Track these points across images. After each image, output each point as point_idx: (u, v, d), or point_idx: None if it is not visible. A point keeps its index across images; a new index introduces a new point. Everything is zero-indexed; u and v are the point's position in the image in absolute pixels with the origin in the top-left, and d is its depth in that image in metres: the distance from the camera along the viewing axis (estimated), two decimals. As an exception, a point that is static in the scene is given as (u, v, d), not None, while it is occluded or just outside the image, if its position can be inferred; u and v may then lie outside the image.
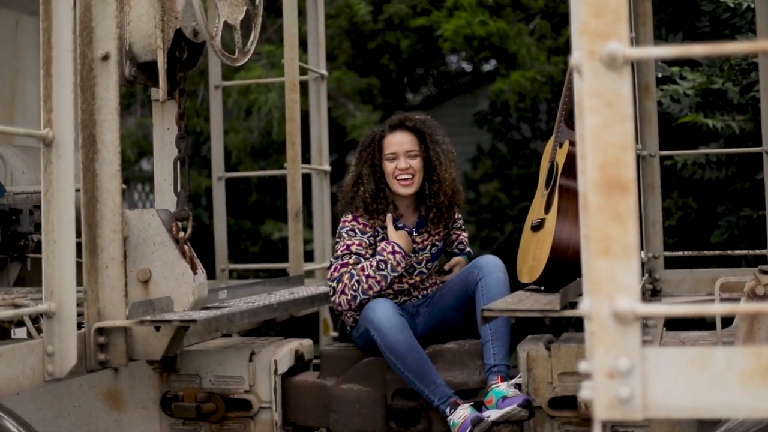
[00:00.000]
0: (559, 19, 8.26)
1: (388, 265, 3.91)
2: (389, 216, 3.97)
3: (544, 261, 3.60)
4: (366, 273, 3.89)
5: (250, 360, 3.90)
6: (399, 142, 4.06)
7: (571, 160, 3.67)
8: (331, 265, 4.01)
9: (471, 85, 10.27)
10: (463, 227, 4.33)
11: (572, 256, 3.58)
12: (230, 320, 3.54)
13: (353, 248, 3.96)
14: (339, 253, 3.98)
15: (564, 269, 3.59)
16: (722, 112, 6.40)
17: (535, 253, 3.72)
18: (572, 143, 3.70)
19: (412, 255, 4.05)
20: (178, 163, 3.69)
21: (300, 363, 4.10)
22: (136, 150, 9.16)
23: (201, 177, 8.78)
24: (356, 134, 8.08)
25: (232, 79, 7.58)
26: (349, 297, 3.91)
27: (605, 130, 2.18)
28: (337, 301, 3.94)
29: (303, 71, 5.70)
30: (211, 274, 6.24)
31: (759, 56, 4.91)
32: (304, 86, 5.89)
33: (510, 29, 7.79)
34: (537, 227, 3.77)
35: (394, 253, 3.92)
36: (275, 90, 7.86)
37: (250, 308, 3.73)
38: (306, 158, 5.82)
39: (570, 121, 3.83)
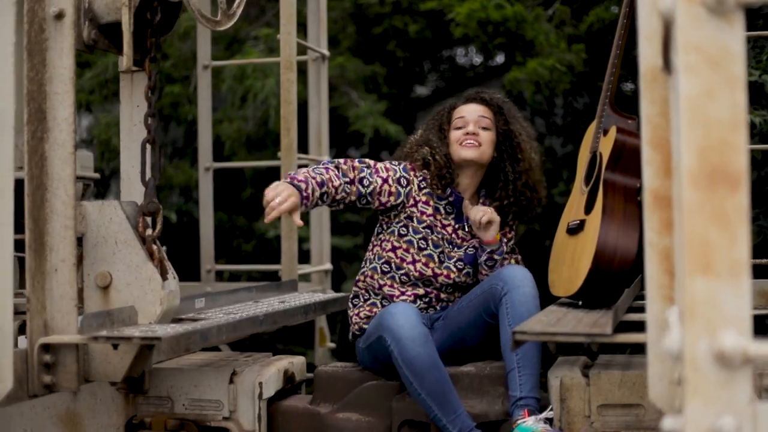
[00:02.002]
0: (579, 4, 7.63)
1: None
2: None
3: (584, 271, 2.99)
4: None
5: (231, 381, 3.30)
6: (471, 110, 3.58)
7: (618, 150, 3.07)
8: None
9: (482, 77, 9.66)
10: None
11: (619, 264, 2.97)
12: (204, 337, 2.93)
13: (376, 167, 3.49)
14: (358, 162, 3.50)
15: (609, 281, 2.99)
16: (758, 107, 5.83)
17: (572, 261, 3.11)
18: (620, 130, 3.10)
19: (447, 245, 3.47)
20: (147, 145, 3.08)
21: (290, 385, 3.49)
22: (125, 139, 8.55)
23: (192, 169, 8.16)
24: (359, 125, 7.46)
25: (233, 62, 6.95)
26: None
27: (708, 100, 1.57)
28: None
29: (302, 51, 5.09)
30: (196, 276, 5.64)
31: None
32: (302, 69, 5.29)
33: (528, 14, 7.17)
34: (575, 230, 3.16)
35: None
36: (273, 76, 7.23)
37: (229, 322, 3.11)
38: (304, 148, 5.21)
39: (616, 104, 3.23)
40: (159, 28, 3.07)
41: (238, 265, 6.19)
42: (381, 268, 3.52)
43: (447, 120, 3.60)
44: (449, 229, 3.52)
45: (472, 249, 3.55)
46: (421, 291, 3.50)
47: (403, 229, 3.49)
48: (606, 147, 3.10)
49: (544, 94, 7.62)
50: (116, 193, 9.31)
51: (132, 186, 3.23)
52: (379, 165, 3.47)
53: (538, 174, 3.57)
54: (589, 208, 3.10)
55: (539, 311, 3.19)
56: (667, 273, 2.18)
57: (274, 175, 7.70)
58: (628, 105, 7.86)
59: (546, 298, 3.32)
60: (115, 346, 2.84)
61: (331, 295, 4.11)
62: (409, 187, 3.46)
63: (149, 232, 3.03)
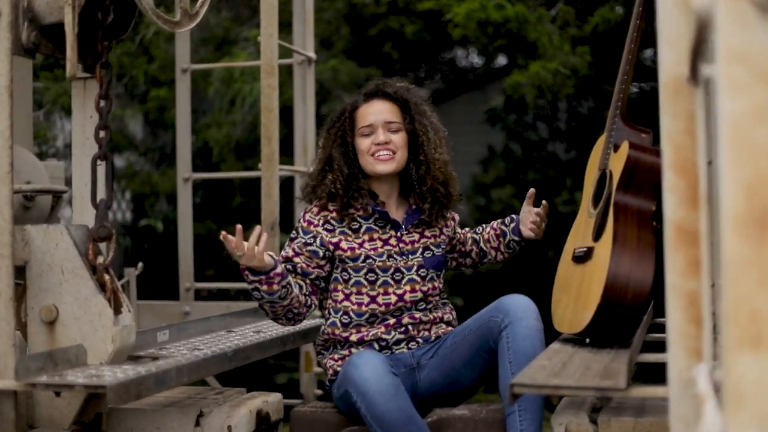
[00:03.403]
0: (584, 4, 7.29)
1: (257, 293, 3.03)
2: (238, 228, 3.02)
3: (593, 305, 2.64)
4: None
5: (197, 424, 2.93)
6: (376, 111, 3.18)
7: (631, 168, 2.71)
8: None
9: (481, 80, 9.30)
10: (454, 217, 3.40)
11: (632, 299, 2.62)
12: (160, 381, 2.57)
13: (290, 254, 3.15)
14: (285, 251, 3.20)
15: (620, 316, 2.64)
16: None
17: (579, 293, 2.76)
18: (633, 145, 2.74)
19: (398, 257, 3.11)
20: (98, 162, 2.73)
21: (264, 426, 3.14)
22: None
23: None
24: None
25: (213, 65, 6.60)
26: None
27: (757, 124, 1.22)
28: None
29: (287, 54, 4.74)
30: (174, 295, 5.29)
31: None
32: (289, 72, 4.94)
33: (530, 14, 6.81)
34: (582, 258, 2.81)
35: (242, 270, 3.05)
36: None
37: (192, 361, 2.76)
38: (289, 156, 4.87)
39: (627, 116, 2.87)
40: (112, 31, 2.72)
41: (220, 282, 5.80)
42: (341, 320, 3.16)
43: (350, 127, 3.20)
44: (393, 241, 3.17)
45: (429, 251, 3.20)
46: (392, 321, 3.14)
47: (344, 274, 3.14)
48: (617, 164, 2.75)
49: (547, 99, 7.27)
50: (98, 201, 8.98)
51: (85, 206, 2.89)
52: (291, 248, 3.16)
53: (447, 170, 3.22)
54: (598, 234, 2.75)
55: (544, 346, 2.84)
56: (693, 322, 1.83)
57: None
58: (634, 111, 7.54)
59: (549, 326, 2.97)
60: (58, 393, 2.49)
61: (313, 322, 3.75)
62: (318, 240, 3.12)
63: (100, 259, 2.69)
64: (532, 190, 3.36)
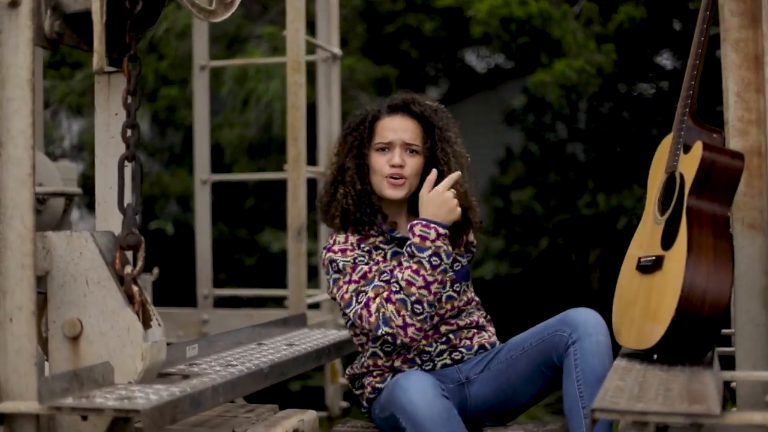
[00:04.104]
0: (608, 1, 7.07)
1: (423, 245, 2.78)
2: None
3: (666, 318, 2.42)
4: (415, 284, 2.77)
5: (230, 446, 2.73)
6: (397, 128, 2.94)
7: (706, 171, 2.49)
8: (354, 316, 2.86)
9: (494, 79, 9.10)
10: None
11: (709, 311, 2.41)
12: (196, 403, 2.36)
13: (366, 270, 2.88)
14: (348, 293, 2.85)
15: (696, 331, 2.42)
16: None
17: (648, 305, 2.54)
18: (707, 146, 2.53)
19: None
20: (126, 163, 2.52)
21: (299, 447, 2.93)
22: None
23: (191, 177, 7.58)
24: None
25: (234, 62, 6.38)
26: (418, 324, 2.80)
27: None
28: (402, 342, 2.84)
29: (310, 50, 4.52)
30: (191, 302, 5.08)
31: None
32: (311, 70, 4.73)
33: (554, 11, 6.60)
34: (649, 268, 2.59)
35: (426, 225, 2.80)
36: (278, 77, 6.66)
37: (228, 380, 2.55)
38: (311, 158, 4.65)
39: (697, 115, 2.66)
40: (140, 21, 2.50)
41: (240, 289, 5.59)
42: (383, 349, 2.95)
43: (368, 138, 2.96)
44: None
45: (457, 263, 2.97)
46: (431, 332, 2.91)
47: None
48: (689, 167, 2.53)
49: (572, 99, 7.06)
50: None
51: (109, 212, 2.66)
52: (361, 272, 2.90)
53: (467, 200, 2.95)
54: (668, 242, 2.53)
55: (612, 364, 2.63)
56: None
57: (280, 184, 7.16)
58: (649, 111, 7.32)
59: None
60: (84, 417, 2.27)
61: (346, 333, 3.54)
62: (364, 257, 2.91)
63: (128, 269, 2.47)
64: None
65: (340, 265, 2.87)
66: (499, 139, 8.39)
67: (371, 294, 2.82)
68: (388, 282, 2.84)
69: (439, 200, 2.80)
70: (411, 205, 2.98)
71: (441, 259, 2.77)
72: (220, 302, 5.66)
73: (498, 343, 2.99)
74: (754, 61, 2.69)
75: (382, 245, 2.93)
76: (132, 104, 2.49)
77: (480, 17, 6.66)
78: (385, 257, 2.92)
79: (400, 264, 2.86)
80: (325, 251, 2.93)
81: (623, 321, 2.68)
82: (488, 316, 3.06)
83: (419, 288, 2.76)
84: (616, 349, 2.73)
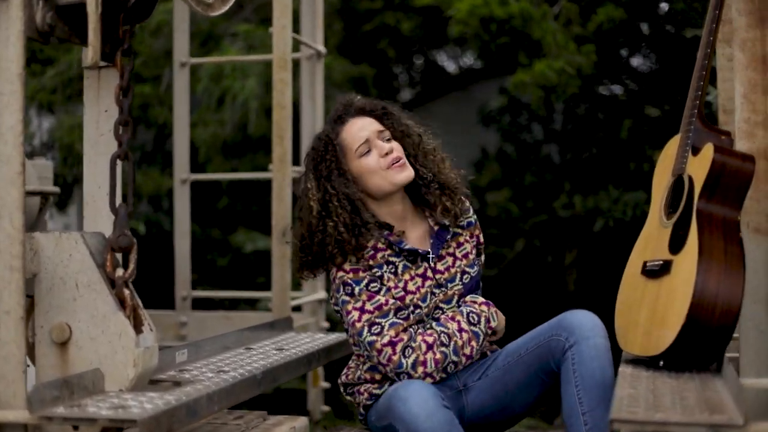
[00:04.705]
0: (587, 2, 7.02)
1: (482, 319, 2.77)
2: None
3: (676, 324, 2.36)
4: (464, 350, 2.79)
5: (222, 454, 2.65)
6: (362, 125, 2.87)
7: (716, 174, 2.44)
8: (367, 345, 2.79)
9: (469, 79, 9.04)
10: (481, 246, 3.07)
11: (720, 318, 2.35)
12: (192, 412, 2.27)
13: (382, 301, 2.79)
14: (361, 321, 2.78)
15: (706, 338, 2.37)
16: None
17: (655, 311, 2.48)
18: (718, 149, 2.47)
19: (437, 290, 2.82)
20: (118, 162, 2.42)
21: (292, 455, 2.84)
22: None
23: (163, 177, 7.46)
24: (346, 131, 6.80)
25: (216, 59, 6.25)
26: (437, 377, 2.78)
27: None
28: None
29: (294, 47, 4.43)
30: (169, 303, 4.97)
31: None
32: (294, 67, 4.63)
33: (534, 11, 6.54)
34: (656, 273, 2.53)
35: (488, 305, 2.74)
36: (254, 76, 6.56)
37: (222, 387, 2.46)
38: (294, 159, 4.56)
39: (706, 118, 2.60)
40: (134, 14, 2.41)
41: (220, 291, 5.49)
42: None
43: (342, 155, 2.85)
44: (429, 273, 2.86)
45: (466, 275, 2.90)
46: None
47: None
48: (698, 169, 2.47)
49: (552, 100, 7.01)
50: (80, 203, 8.63)
51: (98, 212, 2.57)
52: (378, 302, 2.82)
53: (445, 166, 2.93)
54: (676, 246, 2.47)
55: (612, 368, 2.56)
56: None
57: (254, 184, 7.06)
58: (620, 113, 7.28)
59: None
60: (76, 428, 2.18)
61: (334, 337, 3.46)
62: (378, 279, 2.83)
63: (120, 272, 2.37)
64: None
65: (356, 290, 2.79)
66: (472, 140, 8.32)
67: (391, 333, 2.74)
68: (406, 318, 2.77)
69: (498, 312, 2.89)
70: (412, 202, 2.90)
71: (482, 344, 2.82)
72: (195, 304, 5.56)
73: (498, 348, 2.92)
74: (762, 62, 2.63)
75: (392, 258, 2.84)
76: (125, 101, 2.40)
77: (459, 17, 6.60)
78: (395, 272, 2.83)
79: (412, 278, 2.81)
80: (335, 269, 2.82)
81: (627, 326, 2.62)
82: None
83: (464, 355, 2.78)
84: (614, 352, 2.66)
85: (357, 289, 2.78)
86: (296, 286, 4.83)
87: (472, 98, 8.61)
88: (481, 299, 2.85)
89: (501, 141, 8.06)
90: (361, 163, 2.84)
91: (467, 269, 2.89)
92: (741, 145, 2.59)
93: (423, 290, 2.83)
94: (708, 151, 2.47)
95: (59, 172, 6.99)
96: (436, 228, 2.88)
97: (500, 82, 7.87)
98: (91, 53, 2.24)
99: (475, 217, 3.01)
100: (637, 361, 2.58)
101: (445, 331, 2.76)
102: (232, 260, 7.65)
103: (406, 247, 2.83)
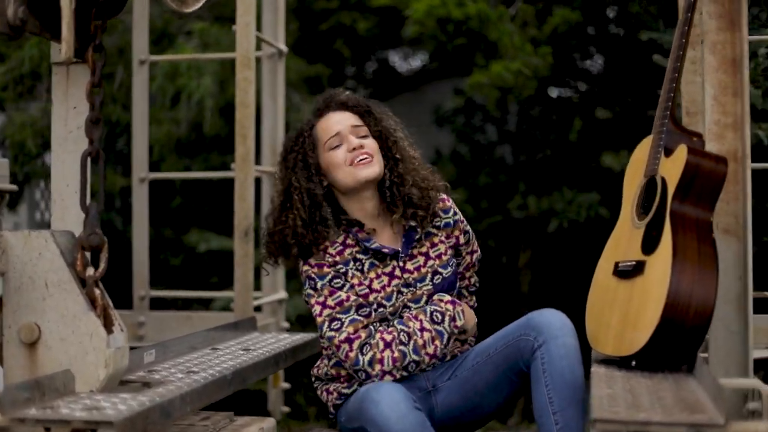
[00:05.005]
0: (543, 4, 7.07)
1: (446, 318, 2.74)
2: None
3: (650, 325, 2.38)
4: (427, 349, 2.77)
5: (191, 456, 2.61)
6: (339, 119, 2.88)
7: (690, 175, 2.46)
8: (326, 339, 2.80)
9: (421, 80, 9.04)
10: (473, 243, 3.07)
11: (694, 318, 2.37)
12: (166, 413, 2.23)
13: (343, 297, 2.78)
14: (322, 316, 2.79)
15: (680, 338, 2.39)
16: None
17: (628, 311, 2.49)
18: (692, 150, 2.49)
19: (404, 290, 2.81)
20: (89, 160, 2.39)
21: (261, 457, 2.81)
22: (40, 141, 7.69)
23: (116, 175, 7.38)
24: (302, 130, 6.77)
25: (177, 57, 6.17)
26: (397, 376, 2.77)
27: None
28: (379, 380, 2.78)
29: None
30: (127, 303, 4.91)
31: None
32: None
33: (492, 13, 6.56)
34: (628, 273, 2.54)
35: (454, 304, 2.71)
36: (209, 74, 6.50)
37: (194, 388, 2.42)
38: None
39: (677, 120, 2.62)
40: (106, 9, 2.37)
41: (178, 290, 5.44)
42: None
43: (311, 146, 2.89)
44: (397, 272, 2.87)
45: (438, 275, 2.89)
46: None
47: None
48: (672, 171, 2.49)
49: (509, 101, 7.04)
50: (30, 202, 8.51)
51: (66, 210, 2.53)
52: (341, 297, 2.82)
53: (423, 169, 2.93)
54: (649, 247, 2.49)
55: (582, 367, 2.57)
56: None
57: (207, 183, 7.00)
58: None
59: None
60: (48, 429, 2.13)
61: (299, 337, 3.43)
62: (342, 276, 2.84)
63: (90, 271, 2.34)
64: None
65: (318, 285, 2.80)
66: (426, 140, 8.31)
67: (350, 329, 2.75)
68: (368, 316, 2.76)
69: (469, 311, 2.92)
70: (383, 200, 2.89)
71: (449, 343, 2.80)
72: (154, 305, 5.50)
73: (469, 348, 2.92)
74: (731, 64, 2.66)
75: (359, 255, 2.84)
76: (97, 97, 2.36)
77: (417, 17, 6.61)
78: (362, 270, 2.83)
79: (378, 277, 2.80)
80: (302, 263, 2.83)
81: (599, 327, 2.63)
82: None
83: (427, 354, 2.76)
84: (583, 351, 2.67)
85: (320, 284, 2.79)
86: (257, 286, 4.80)
87: (425, 99, 8.61)
88: (447, 297, 2.83)
89: (455, 142, 8.07)
90: (330, 156, 2.86)
91: (439, 270, 2.88)
92: (711, 147, 2.62)
93: (389, 289, 2.82)
94: (681, 152, 2.49)
95: (10, 170, 6.89)
96: (406, 227, 2.88)
97: (454, 83, 7.87)
98: (64, 48, 2.20)
99: (458, 218, 3.00)
100: (609, 361, 2.60)
101: (405, 329, 2.75)
102: (185, 260, 7.59)
103: (373, 246, 2.83)
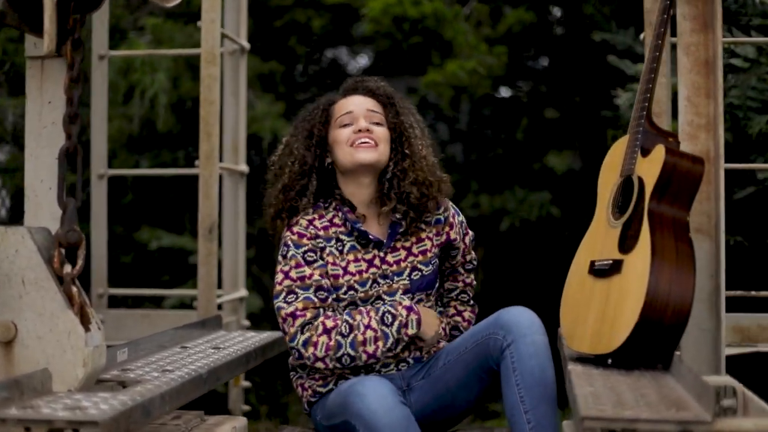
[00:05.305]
0: (497, 4, 7.10)
1: (396, 322, 2.69)
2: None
3: (629, 323, 2.40)
4: (366, 347, 2.74)
5: (166, 456, 2.59)
6: (357, 102, 2.89)
7: (667, 175, 2.48)
8: (276, 307, 2.80)
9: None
10: (472, 262, 3.09)
11: (672, 317, 2.39)
12: (146, 412, 2.21)
13: (307, 273, 2.78)
14: (281, 285, 2.80)
15: (658, 336, 2.41)
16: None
17: (605, 310, 2.51)
18: (669, 151, 2.51)
19: (381, 281, 2.81)
20: (66, 155, 2.35)
21: (235, 457, 2.79)
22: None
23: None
24: (256, 128, 6.72)
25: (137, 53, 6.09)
26: (330, 365, 2.72)
27: None
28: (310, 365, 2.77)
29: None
30: (84, 301, 4.85)
31: None
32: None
33: (447, 11, 6.58)
34: (605, 272, 2.56)
35: (409, 310, 2.70)
36: (162, 70, 6.45)
37: (172, 386, 2.40)
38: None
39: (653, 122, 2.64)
40: (85, 3, 2.34)
41: (139, 289, 5.39)
42: None
43: (322, 120, 2.91)
44: (377, 262, 2.86)
45: (417, 272, 2.88)
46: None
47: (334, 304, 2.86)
48: (649, 170, 2.51)
49: (462, 101, 7.06)
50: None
51: (40, 207, 2.49)
52: (305, 274, 2.81)
53: (430, 172, 2.91)
54: (626, 246, 2.51)
55: (552, 365, 2.58)
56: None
57: (159, 180, 6.94)
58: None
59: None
60: (28, 429, 2.10)
61: (267, 335, 3.42)
62: (318, 252, 2.84)
63: (68, 269, 2.31)
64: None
65: (289, 254, 2.80)
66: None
67: (299, 305, 2.74)
68: (323, 300, 2.76)
69: (432, 321, 2.86)
70: (381, 194, 2.88)
71: (396, 347, 2.77)
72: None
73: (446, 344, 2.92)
74: (705, 65, 2.69)
75: (342, 236, 2.84)
76: (75, 92, 2.33)
77: (372, 15, 6.61)
78: (341, 250, 2.83)
79: (355, 260, 2.81)
80: (286, 228, 2.85)
81: (575, 325, 2.64)
82: (446, 328, 2.96)
83: (365, 352, 2.74)
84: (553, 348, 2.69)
85: (290, 254, 2.79)
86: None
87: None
88: (406, 302, 2.81)
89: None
90: (337, 133, 2.88)
91: (420, 266, 2.88)
92: (684, 147, 2.65)
93: (365, 275, 2.82)
94: (659, 152, 2.51)
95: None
96: (393, 220, 2.87)
97: (407, 82, 7.88)
98: (47, 41, 2.17)
99: (454, 216, 3.00)
100: (584, 359, 2.61)
101: (350, 321, 2.74)
102: (135, 257, 7.51)
103: (360, 227, 2.83)
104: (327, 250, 2.81)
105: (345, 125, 2.87)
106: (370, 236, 2.83)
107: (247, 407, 4.45)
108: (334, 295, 2.79)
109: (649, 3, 3.63)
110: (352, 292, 2.80)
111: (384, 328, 2.75)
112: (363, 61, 9.16)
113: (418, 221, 2.87)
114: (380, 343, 2.74)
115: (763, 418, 1.95)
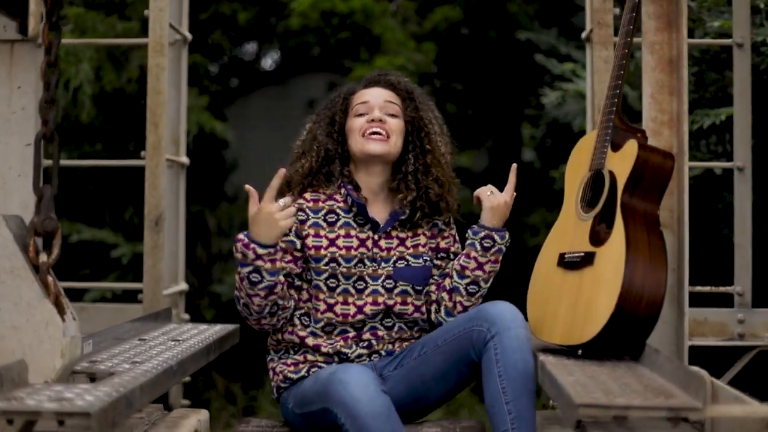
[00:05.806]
0: (425, 1, 7.14)
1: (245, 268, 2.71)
2: (251, 190, 2.70)
3: (604, 315, 2.44)
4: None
5: (131, 449, 2.55)
6: (375, 93, 2.93)
7: (640, 169, 2.53)
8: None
9: (285, 74, 9.00)
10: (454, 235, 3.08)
11: (646, 308, 2.45)
12: (129, 404, 2.17)
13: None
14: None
15: (632, 327, 2.46)
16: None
17: (578, 301, 2.55)
18: (642, 146, 2.56)
19: (368, 263, 2.82)
20: (42, 142, 2.30)
21: (199, 449, 2.77)
22: None
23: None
24: (181, 121, 6.65)
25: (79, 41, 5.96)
26: (245, 315, 2.85)
27: None
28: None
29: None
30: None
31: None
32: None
33: (376, 7, 6.60)
34: (576, 264, 2.59)
35: (246, 244, 2.68)
36: (86, 60, 6.33)
37: (149, 378, 2.36)
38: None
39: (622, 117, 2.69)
40: (62, -14, 2.29)
41: (85, 282, 5.30)
42: (301, 321, 2.87)
43: (342, 108, 2.95)
44: (369, 243, 2.88)
45: (403, 261, 2.90)
46: (352, 334, 2.85)
47: (307, 273, 2.87)
48: (621, 165, 2.56)
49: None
50: None
51: (9, 195, 2.44)
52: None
53: (448, 173, 2.96)
54: (598, 239, 2.55)
55: (533, 359, 2.61)
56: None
57: (80, 173, 6.81)
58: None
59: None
60: (10, 421, 2.05)
61: (220, 328, 3.38)
62: (293, 230, 2.86)
63: (44, 258, 2.26)
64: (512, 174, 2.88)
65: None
66: (295, 135, 8.28)
67: None
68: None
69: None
70: (392, 188, 2.90)
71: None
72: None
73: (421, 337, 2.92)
74: (669, 63, 2.75)
75: (339, 210, 2.85)
76: (52, 77, 2.28)
77: (301, 9, 6.60)
78: (333, 223, 2.85)
79: (347, 236, 2.85)
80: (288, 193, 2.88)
81: (544, 317, 2.68)
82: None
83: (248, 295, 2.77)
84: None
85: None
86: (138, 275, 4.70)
87: (289, 93, 8.57)
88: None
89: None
90: (352, 122, 2.92)
91: (408, 257, 2.89)
92: (648, 143, 2.71)
93: (353, 252, 2.84)
94: (632, 147, 2.56)
95: None
96: (396, 209, 2.89)
97: (329, 78, 7.86)
98: (32, 23, 2.13)
99: (448, 225, 3.00)
100: (553, 350, 2.65)
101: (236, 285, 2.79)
102: (66, 246, 7.37)
103: (361, 203, 2.86)
104: (309, 222, 2.83)
105: (360, 114, 2.91)
106: (369, 215, 2.85)
107: (186, 401, 4.41)
108: (314, 266, 2.82)
109: (598, 2, 3.70)
110: (333, 264, 2.82)
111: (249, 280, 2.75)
112: (274, 56, 9.13)
113: (428, 217, 2.90)
114: (254, 295, 2.73)
115: (751, 404, 2.01)
